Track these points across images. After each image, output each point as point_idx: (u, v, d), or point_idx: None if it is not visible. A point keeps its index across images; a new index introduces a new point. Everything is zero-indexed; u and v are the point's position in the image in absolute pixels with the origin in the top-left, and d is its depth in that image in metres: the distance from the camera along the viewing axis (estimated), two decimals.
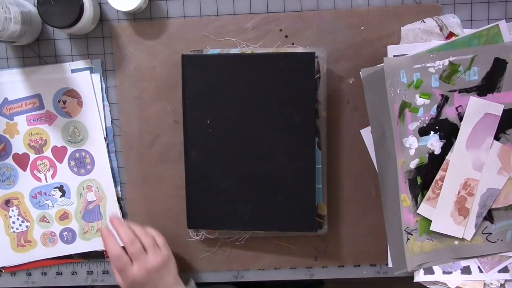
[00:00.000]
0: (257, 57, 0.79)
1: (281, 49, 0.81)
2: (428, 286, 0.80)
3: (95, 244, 0.86)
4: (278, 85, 0.77)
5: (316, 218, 0.79)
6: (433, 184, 0.78)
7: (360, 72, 0.79)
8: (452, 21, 0.79)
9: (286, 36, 0.82)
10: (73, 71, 0.84)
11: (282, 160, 0.78)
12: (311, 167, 0.78)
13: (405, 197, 0.79)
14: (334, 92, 0.82)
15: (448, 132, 0.78)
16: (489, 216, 0.78)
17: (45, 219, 0.86)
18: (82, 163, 0.85)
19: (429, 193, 0.78)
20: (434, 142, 0.78)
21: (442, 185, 0.77)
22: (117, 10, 0.80)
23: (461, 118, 0.77)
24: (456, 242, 0.79)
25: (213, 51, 0.81)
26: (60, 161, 0.85)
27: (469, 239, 0.78)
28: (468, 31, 0.78)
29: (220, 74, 0.78)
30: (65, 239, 0.86)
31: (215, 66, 0.78)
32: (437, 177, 0.78)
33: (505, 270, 0.79)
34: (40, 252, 0.86)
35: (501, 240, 0.78)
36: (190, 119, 0.79)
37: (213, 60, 0.79)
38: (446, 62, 0.76)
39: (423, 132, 0.78)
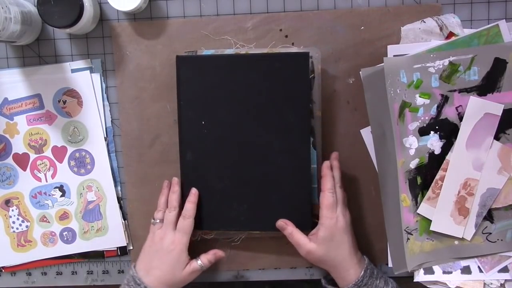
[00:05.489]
0: (252, 57, 0.79)
1: (275, 49, 0.81)
2: (428, 286, 0.80)
3: (95, 244, 0.86)
4: (272, 85, 0.77)
5: (312, 218, 0.79)
6: (433, 184, 0.78)
7: (360, 72, 0.79)
8: (452, 21, 0.79)
9: (286, 36, 0.82)
10: (73, 71, 0.84)
11: (277, 160, 0.78)
12: (306, 167, 0.78)
13: (405, 197, 0.79)
14: (334, 92, 0.82)
15: (448, 132, 0.78)
16: (489, 216, 0.78)
17: (45, 219, 0.86)
18: (82, 163, 0.85)
19: (429, 193, 0.78)
20: (434, 142, 0.78)
21: (442, 185, 0.77)
22: (117, 10, 0.80)
23: (461, 118, 0.77)
24: (456, 242, 0.79)
25: (207, 52, 0.81)
26: (60, 161, 0.85)
27: (469, 239, 0.78)
28: (468, 31, 0.78)
29: (215, 74, 0.78)
30: (65, 239, 0.86)
31: (210, 67, 0.78)
32: (437, 177, 0.78)
33: (505, 270, 0.79)
34: (40, 252, 0.86)
35: (501, 240, 0.78)
36: (185, 120, 0.79)
37: (207, 61, 0.79)
38: (446, 62, 0.76)
39: (423, 132, 0.78)
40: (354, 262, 0.76)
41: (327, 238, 0.75)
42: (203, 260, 0.80)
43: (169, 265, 0.78)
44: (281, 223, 0.78)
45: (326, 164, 0.77)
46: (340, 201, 0.77)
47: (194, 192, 0.79)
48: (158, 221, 0.80)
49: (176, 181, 0.81)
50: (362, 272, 0.75)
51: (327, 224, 0.75)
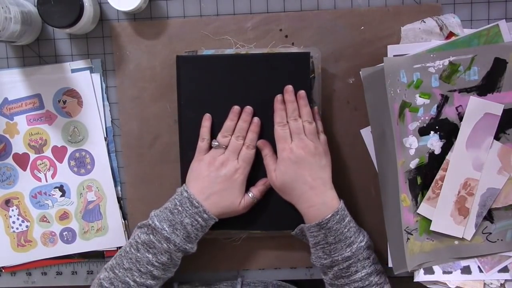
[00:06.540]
0: (252, 57, 0.79)
1: (275, 49, 0.81)
2: (428, 286, 0.80)
3: (95, 244, 0.86)
4: (272, 85, 0.77)
5: None
6: (433, 184, 0.78)
7: (360, 72, 0.79)
8: (452, 21, 0.79)
9: (286, 36, 0.82)
10: (73, 71, 0.84)
11: None
12: None
13: (405, 197, 0.79)
14: (334, 92, 0.82)
15: (448, 132, 0.78)
16: (489, 216, 0.78)
17: (45, 219, 0.86)
18: (82, 163, 0.85)
19: (429, 193, 0.78)
20: (434, 142, 0.78)
21: (442, 185, 0.77)
22: (117, 10, 0.80)
23: (461, 118, 0.77)
24: (456, 242, 0.79)
25: (207, 52, 0.81)
26: (60, 161, 0.85)
27: (469, 239, 0.78)
28: (468, 31, 0.78)
29: (215, 74, 0.78)
30: (65, 239, 0.86)
31: (210, 66, 0.79)
32: (437, 177, 0.78)
33: (505, 270, 0.79)
34: (40, 252, 0.86)
35: (501, 240, 0.78)
36: (186, 120, 0.79)
37: (207, 60, 0.79)
38: (446, 62, 0.76)
39: (423, 132, 0.78)
40: (320, 201, 0.74)
41: (282, 170, 0.75)
42: (255, 192, 0.78)
43: (230, 193, 0.76)
44: (260, 143, 0.78)
45: (276, 98, 0.77)
46: (297, 134, 0.75)
47: (256, 122, 0.77)
48: (221, 146, 0.77)
49: (249, 110, 0.78)
50: (329, 215, 0.72)
51: (280, 156, 0.75)
